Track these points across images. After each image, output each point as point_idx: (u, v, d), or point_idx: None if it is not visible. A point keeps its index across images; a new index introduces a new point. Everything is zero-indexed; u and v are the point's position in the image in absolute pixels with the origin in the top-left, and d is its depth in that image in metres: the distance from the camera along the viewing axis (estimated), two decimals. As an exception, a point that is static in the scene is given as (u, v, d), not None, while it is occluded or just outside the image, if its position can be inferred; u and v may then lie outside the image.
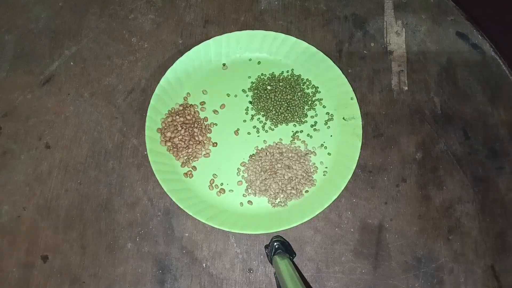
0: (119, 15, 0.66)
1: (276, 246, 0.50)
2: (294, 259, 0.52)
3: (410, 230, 0.54)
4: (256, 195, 0.56)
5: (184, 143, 0.57)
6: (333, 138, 0.58)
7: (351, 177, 0.54)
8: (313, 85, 0.61)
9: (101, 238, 0.55)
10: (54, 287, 0.53)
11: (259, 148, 0.58)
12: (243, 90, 0.61)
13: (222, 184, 0.57)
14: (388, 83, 0.61)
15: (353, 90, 0.58)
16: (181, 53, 0.60)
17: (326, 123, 0.59)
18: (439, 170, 0.57)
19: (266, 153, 0.58)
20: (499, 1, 1.01)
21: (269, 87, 0.61)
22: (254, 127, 0.60)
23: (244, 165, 0.58)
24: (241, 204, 0.56)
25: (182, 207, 0.53)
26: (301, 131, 0.59)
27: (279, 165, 0.56)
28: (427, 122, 0.59)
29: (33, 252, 0.54)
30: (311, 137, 0.59)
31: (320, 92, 0.61)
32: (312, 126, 0.59)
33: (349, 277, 0.53)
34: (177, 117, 0.58)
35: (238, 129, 0.59)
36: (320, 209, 0.53)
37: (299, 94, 0.60)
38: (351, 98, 0.58)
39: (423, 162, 0.57)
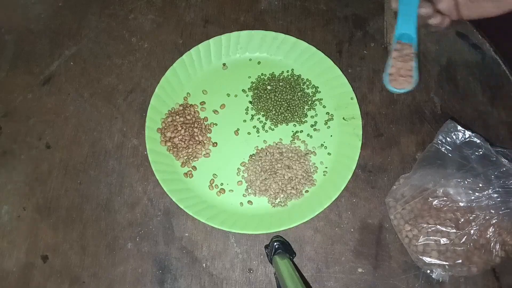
0: (119, 15, 0.66)
1: (276, 246, 0.50)
2: (294, 259, 0.52)
3: (410, 230, 0.54)
4: (256, 195, 0.56)
5: (184, 143, 0.57)
6: (333, 138, 0.58)
7: (351, 177, 0.54)
8: (313, 85, 0.61)
9: (101, 238, 0.55)
10: (54, 287, 0.53)
11: (259, 148, 0.58)
12: (243, 90, 0.61)
13: (222, 184, 0.57)
14: (388, 83, 0.61)
15: (353, 90, 0.58)
16: (181, 53, 0.60)
17: (326, 123, 0.59)
18: (439, 170, 0.57)
19: (266, 153, 0.58)
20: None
21: (269, 87, 0.61)
22: (254, 127, 0.60)
23: (244, 165, 0.58)
24: (241, 204, 0.56)
25: (182, 207, 0.53)
26: (301, 131, 0.59)
27: (279, 165, 0.56)
28: (427, 122, 0.59)
29: (33, 252, 0.54)
30: (311, 137, 0.59)
31: (320, 92, 0.61)
32: (312, 126, 0.59)
33: (349, 277, 0.53)
34: (177, 117, 0.58)
35: (238, 129, 0.59)
36: (320, 209, 0.53)
37: (299, 94, 0.60)
38: (351, 98, 0.58)
39: (423, 162, 0.57)
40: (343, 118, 0.58)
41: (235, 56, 0.62)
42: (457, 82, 0.61)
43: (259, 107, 0.60)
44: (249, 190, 0.56)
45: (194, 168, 0.57)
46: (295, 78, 0.61)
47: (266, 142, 0.59)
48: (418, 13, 0.49)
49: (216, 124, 0.60)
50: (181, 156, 0.57)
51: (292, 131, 0.59)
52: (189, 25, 0.65)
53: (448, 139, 0.50)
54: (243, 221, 0.54)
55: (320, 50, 0.60)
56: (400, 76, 0.50)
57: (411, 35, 0.49)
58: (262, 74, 0.62)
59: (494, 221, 0.48)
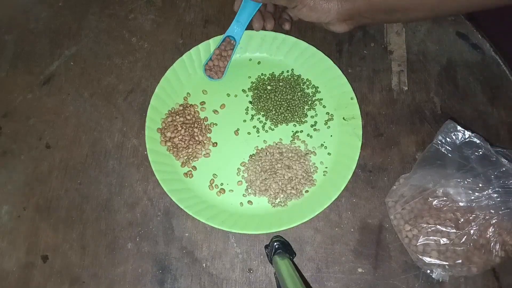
0: (119, 15, 0.66)
1: (276, 246, 0.50)
2: (294, 259, 0.52)
3: (410, 230, 0.54)
4: (256, 195, 0.56)
5: (184, 143, 0.57)
6: (333, 138, 0.58)
7: (351, 177, 0.54)
8: (313, 85, 0.61)
9: (101, 238, 0.55)
10: (54, 287, 0.53)
11: (259, 148, 0.58)
12: (243, 90, 0.61)
13: (222, 184, 0.57)
14: (388, 83, 0.61)
15: (353, 90, 0.58)
16: (181, 53, 0.60)
17: (326, 123, 0.59)
18: (439, 170, 0.57)
19: (266, 153, 0.58)
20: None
21: (269, 87, 0.61)
22: (254, 127, 0.60)
23: (244, 165, 0.58)
24: (241, 204, 0.56)
25: (182, 207, 0.53)
26: (301, 131, 0.59)
27: (279, 165, 0.56)
28: (427, 122, 0.59)
29: (33, 252, 0.54)
30: (311, 137, 0.59)
31: (320, 92, 0.61)
32: (312, 126, 0.59)
33: (349, 277, 0.53)
34: (177, 117, 0.58)
35: (238, 129, 0.59)
36: (320, 209, 0.53)
37: (299, 94, 0.60)
38: (351, 98, 0.58)
39: (423, 162, 0.57)
40: (343, 118, 0.58)
41: (235, 56, 0.62)
42: (457, 82, 0.61)
43: (259, 107, 0.60)
44: (249, 190, 0.56)
45: (194, 168, 0.57)
46: (295, 78, 0.61)
47: (266, 142, 0.59)
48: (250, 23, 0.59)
49: (216, 124, 0.60)
50: (181, 156, 0.57)
51: (292, 131, 0.59)
52: (189, 25, 0.65)
53: (448, 139, 0.50)
54: (243, 221, 0.54)
55: (320, 50, 0.60)
56: (213, 70, 0.61)
57: (236, 38, 0.60)
58: (262, 74, 0.62)
59: (494, 221, 0.48)
